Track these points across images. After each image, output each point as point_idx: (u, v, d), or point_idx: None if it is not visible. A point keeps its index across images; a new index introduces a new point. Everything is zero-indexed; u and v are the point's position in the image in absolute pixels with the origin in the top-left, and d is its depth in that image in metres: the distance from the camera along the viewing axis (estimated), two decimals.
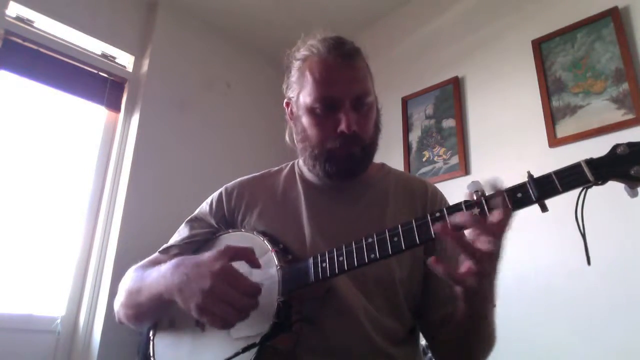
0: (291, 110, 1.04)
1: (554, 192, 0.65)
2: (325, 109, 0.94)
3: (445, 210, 0.71)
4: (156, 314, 0.98)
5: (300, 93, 0.98)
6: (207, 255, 0.83)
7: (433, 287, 0.95)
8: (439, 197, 1.05)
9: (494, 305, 0.80)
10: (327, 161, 0.96)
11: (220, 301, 0.76)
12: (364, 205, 1.01)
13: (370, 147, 0.99)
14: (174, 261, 0.88)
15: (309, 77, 0.96)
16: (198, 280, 0.78)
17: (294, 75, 1.01)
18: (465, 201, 0.70)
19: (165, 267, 0.88)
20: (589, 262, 0.66)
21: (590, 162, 0.64)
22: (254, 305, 0.79)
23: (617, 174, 0.63)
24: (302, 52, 1.00)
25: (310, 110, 0.95)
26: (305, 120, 0.97)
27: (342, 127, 0.91)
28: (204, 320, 0.78)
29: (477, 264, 0.66)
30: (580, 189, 0.65)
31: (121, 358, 2.30)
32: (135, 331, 2.10)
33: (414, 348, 0.98)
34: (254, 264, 0.84)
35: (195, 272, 0.80)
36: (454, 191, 1.13)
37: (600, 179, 0.63)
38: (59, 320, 2.33)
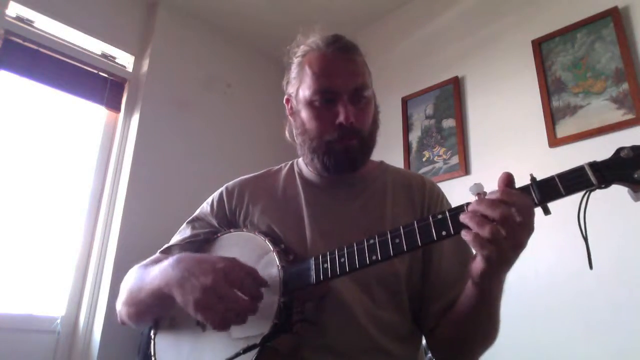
0: (291, 105, 1.05)
1: (557, 195, 0.65)
2: (324, 101, 0.95)
3: (447, 212, 0.71)
4: (157, 311, 0.97)
5: (299, 88, 1.00)
6: (212, 255, 0.82)
7: (431, 280, 0.95)
8: (436, 191, 1.05)
9: (501, 295, 0.80)
10: (326, 154, 0.97)
11: (220, 300, 0.75)
12: (363, 203, 1.01)
13: (369, 140, 0.99)
14: (175, 256, 0.88)
15: (308, 71, 0.97)
16: (200, 276, 0.78)
17: (294, 71, 1.03)
18: (468, 203, 0.70)
19: (167, 263, 0.87)
20: (590, 267, 0.66)
21: (593, 165, 0.64)
22: (253, 310, 0.78)
23: (621, 177, 0.62)
24: (302, 48, 1.02)
25: (310, 103, 0.97)
26: (304, 113, 0.99)
27: (341, 118, 0.92)
28: (200, 318, 0.77)
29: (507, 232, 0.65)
30: (584, 192, 0.65)
31: (121, 358, 2.30)
32: (136, 331, 2.12)
33: (416, 346, 0.97)
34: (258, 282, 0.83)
35: (198, 268, 0.80)
36: (454, 191, 1.14)
37: (604, 183, 0.63)
38: (59, 320, 2.33)
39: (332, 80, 0.94)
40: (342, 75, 0.95)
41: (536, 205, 0.66)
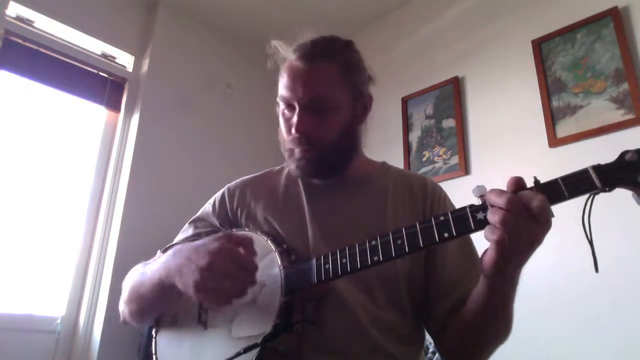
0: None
1: (561, 198, 0.64)
2: (287, 110, 0.99)
3: (449, 214, 0.71)
4: (159, 306, 0.98)
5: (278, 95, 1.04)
6: (206, 238, 0.86)
7: (435, 281, 0.95)
8: (438, 192, 1.05)
9: (514, 294, 0.80)
10: (290, 160, 1.00)
11: (217, 277, 0.78)
12: (364, 203, 1.01)
13: (330, 150, 0.98)
14: (174, 248, 0.90)
15: (280, 80, 1.02)
16: (197, 260, 0.80)
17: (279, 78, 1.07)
18: (471, 205, 0.70)
19: (166, 255, 0.90)
20: (596, 270, 0.65)
21: (597, 168, 0.63)
22: (251, 281, 0.80)
23: (625, 181, 0.62)
24: (281, 56, 1.04)
25: (280, 112, 1.02)
26: (279, 120, 1.04)
27: (292, 128, 0.96)
28: (202, 299, 0.80)
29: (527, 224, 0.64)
30: (587, 195, 0.64)
31: (121, 358, 2.30)
32: (136, 331, 2.12)
33: (417, 347, 0.97)
34: (250, 252, 0.84)
35: (194, 252, 0.83)
36: (454, 191, 1.13)
37: (608, 186, 0.62)
38: (59, 320, 2.33)
39: (287, 91, 0.97)
40: (295, 85, 0.96)
41: None
